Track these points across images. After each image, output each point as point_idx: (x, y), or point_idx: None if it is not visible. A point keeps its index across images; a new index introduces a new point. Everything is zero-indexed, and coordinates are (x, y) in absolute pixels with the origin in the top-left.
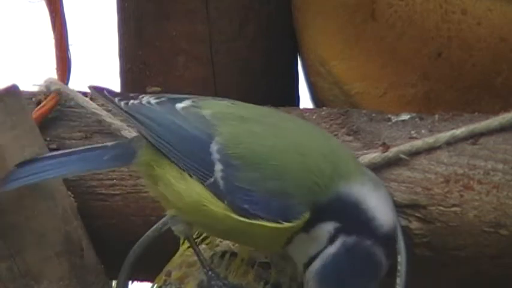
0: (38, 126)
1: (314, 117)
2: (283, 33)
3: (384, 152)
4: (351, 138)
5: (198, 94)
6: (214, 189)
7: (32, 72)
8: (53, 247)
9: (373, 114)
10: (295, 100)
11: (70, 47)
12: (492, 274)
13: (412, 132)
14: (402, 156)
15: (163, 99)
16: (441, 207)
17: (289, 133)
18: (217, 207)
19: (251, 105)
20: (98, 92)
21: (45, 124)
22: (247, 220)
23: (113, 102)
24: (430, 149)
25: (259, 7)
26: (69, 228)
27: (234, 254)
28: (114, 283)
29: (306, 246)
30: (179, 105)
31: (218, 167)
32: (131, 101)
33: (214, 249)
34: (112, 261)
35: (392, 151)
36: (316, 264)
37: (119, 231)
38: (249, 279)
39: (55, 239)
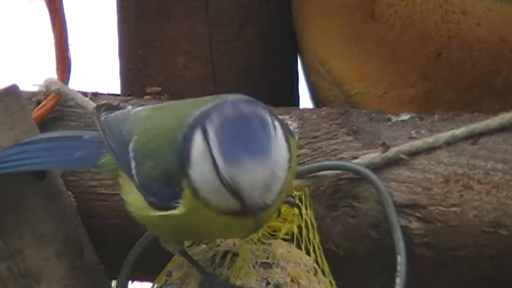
0: (38, 126)
1: (314, 117)
2: (283, 33)
3: (384, 152)
4: (350, 138)
5: (198, 94)
6: (136, 187)
7: (32, 72)
8: (53, 247)
9: (373, 114)
10: (295, 100)
11: (70, 47)
12: (492, 274)
13: (412, 132)
14: (402, 156)
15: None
16: (441, 207)
17: (175, 109)
18: (142, 205)
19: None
20: (97, 108)
21: (45, 124)
22: (156, 213)
23: (97, 118)
24: (429, 149)
25: (259, 7)
26: (69, 228)
27: (235, 254)
28: (114, 283)
29: (204, 170)
30: (134, 110)
31: (133, 164)
32: (111, 114)
33: (215, 249)
34: (112, 261)
35: (392, 151)
36: (218, 157)
37: (119, 231)
38: (251, 280)
39: (55, 239)
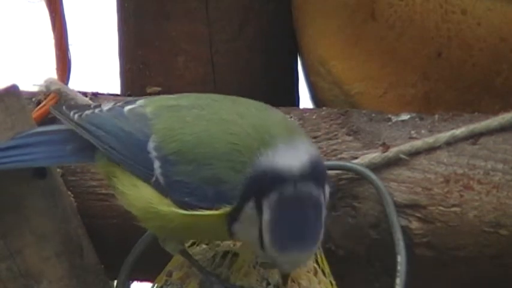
0: (38, 126)
1: (314, 117)
2: (283, 33)
3: (384, 152)
4: (351, 138)
5: None
6: (157, 187)
7: (32, 72)
8: (53, 247)
9: (373, 114)
10: (295, 100)
11: (70, 47)
12: (492, 274)
13: (412, 132)
14: (402, 156)
15: (117, 104)
16: (441, 207)
17: (222, 112)
18: (162, 205)
19: (195, 93)
20: (55, 109)
21: (45, 124)
22: (189, 212)
23: (67, 116)
24: (430, 149)
25: (259, 7)
26: (69, 228)
27: (235, 254)
28: (114, 283)
29: (249, 232)
30: (127, 108)
31: (157, 164)
32: (85, 112)
33: (215, 250)
34: (112, 261)
35: (392, 151)
36: (266, 238)
37: (119, 231)
38: (251, 280)
39: (55, 239)
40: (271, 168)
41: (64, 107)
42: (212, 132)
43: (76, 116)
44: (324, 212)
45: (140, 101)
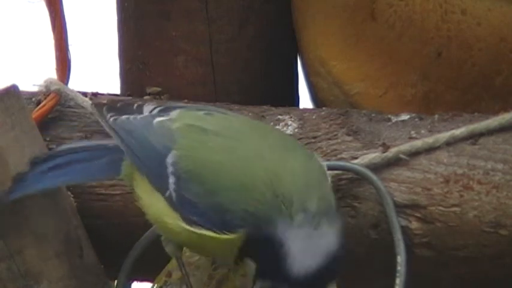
0: (37, 126)
1: (314, 117)
2: (283, 33)
3: (384, 152)
4: (350, 138)
5: (197, 94)
6: (169, 201)
7: (32, 72)
8: (53, 247)
9: (373, 115)
10: (295, 100)
11: (70, 47)
12: (492, 274)
13: (412, 132)
14: (402, 156)
15: (154, 111)
16: (441, 207)
17: (244, 148)
18: (171, 218)
19: (225, 115)
20: (96, 108)
21: (45, 124)
22: (194, 230)
23: (104, 118)
24: (429, 149)
25: (259, 7)
26: (69, 228)
27: None
28: (114, 283)
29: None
30: (157, 120)
31: (171, 179)
32: (121, 117)
33: None
34: (112, 261)
35: (392, 151)
36: None
37: (119, 231)
38: (250, 281)
39: (55, 239)
40: (283, 247)
41: (105, 109)
42: (230, 166)
43: (111, 119)
44: None
45: (173, 113)
